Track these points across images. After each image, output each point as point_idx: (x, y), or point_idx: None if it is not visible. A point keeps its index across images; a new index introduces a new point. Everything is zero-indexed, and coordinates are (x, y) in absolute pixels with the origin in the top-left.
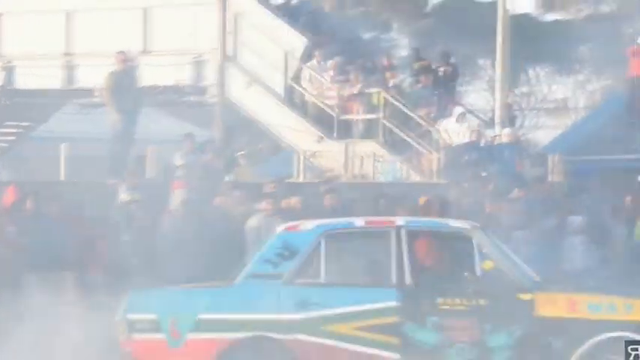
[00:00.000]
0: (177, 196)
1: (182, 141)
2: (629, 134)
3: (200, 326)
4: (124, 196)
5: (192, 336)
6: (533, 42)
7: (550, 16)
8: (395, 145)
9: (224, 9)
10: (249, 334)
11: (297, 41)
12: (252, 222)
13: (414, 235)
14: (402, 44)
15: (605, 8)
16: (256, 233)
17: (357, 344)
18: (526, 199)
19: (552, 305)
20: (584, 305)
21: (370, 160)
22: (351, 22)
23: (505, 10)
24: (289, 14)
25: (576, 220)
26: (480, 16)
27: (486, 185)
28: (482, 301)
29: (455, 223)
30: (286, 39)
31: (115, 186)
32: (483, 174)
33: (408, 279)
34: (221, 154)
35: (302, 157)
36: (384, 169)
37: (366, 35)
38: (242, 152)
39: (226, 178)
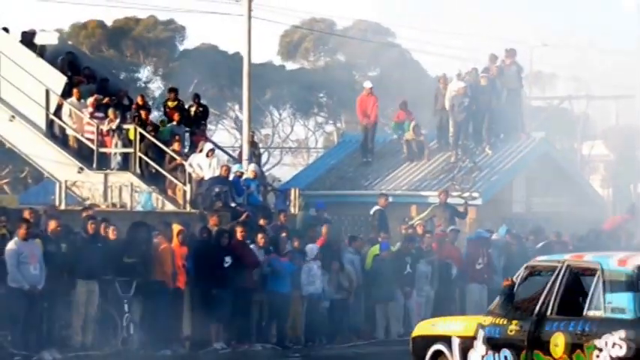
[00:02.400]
0: None
1: None
2: (361, 172)
3: None
4: None
5: None
6: (276, 87)
7: (291, 65)
8: (150, 176)
9: None
10: None
11: (57, 79)
12: (11, 245)
13: None
14: (157, 85)
15: (340, 58)
16: (16, 256)
17: None
18: (273, 227)
19: None
20: None
21: (127, 190)
22: (108, 63)
23: (249, 59)
24: (49, 54)
25: (313, 247)
26: (227, 62)
27: (239, 215)
28: None
29: None
30: (47, 77)
31: None
32: (232, 205)
33: None
34: None
35: (63, 186)
36: (140, 199)
37: (123, 75)
38: (6, 180)
39: None
